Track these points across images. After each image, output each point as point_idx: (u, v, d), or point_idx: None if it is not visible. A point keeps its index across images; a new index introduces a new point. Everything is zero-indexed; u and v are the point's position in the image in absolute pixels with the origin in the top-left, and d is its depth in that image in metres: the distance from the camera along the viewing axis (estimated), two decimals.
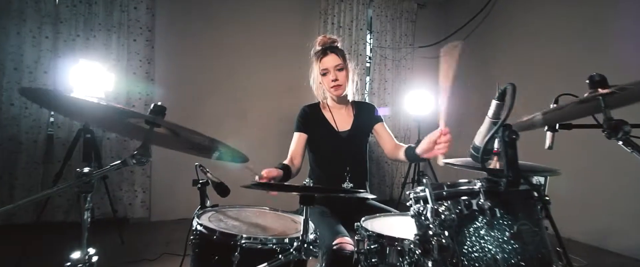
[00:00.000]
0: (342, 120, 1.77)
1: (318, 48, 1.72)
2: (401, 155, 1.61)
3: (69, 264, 0.78)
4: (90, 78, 2.36)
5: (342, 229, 1.40)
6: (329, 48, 1.68)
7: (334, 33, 4.13)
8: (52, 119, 3.10)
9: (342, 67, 1.66)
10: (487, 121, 0.72)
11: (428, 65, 4.67)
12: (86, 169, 0.82)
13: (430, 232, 0.63)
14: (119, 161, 0.80)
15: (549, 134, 1.21)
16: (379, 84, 4.38)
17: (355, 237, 1.20)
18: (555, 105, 1.26)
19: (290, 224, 1.22)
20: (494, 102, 0.71)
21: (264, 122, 3.83)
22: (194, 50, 3.59)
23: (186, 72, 3.58)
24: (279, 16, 3.93)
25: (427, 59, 4.66)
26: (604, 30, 3.01)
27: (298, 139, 1.74)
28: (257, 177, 1.33)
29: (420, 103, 3.86)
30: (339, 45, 1.73)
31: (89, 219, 0.81)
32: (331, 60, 1.66)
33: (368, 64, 4.42)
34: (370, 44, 4.44)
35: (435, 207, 0.67)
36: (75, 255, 0.80)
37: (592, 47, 3.07)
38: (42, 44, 3.02)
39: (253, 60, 3.81)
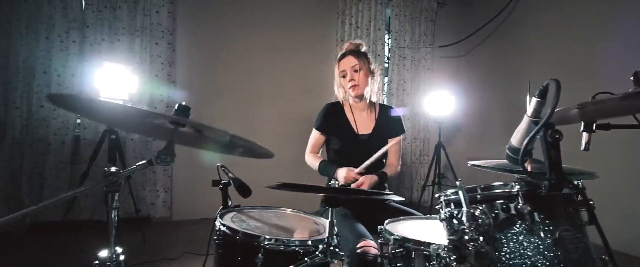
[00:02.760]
0: (363, 122, 1.76)
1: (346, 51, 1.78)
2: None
3: (97, 262, 0.79)
4: (115, 80, 2.42)
5: (365, 231, 1.37)
6: (348, 51, 1.74)
7: (352, 34, 4.10)
8: (78, 121, 3.20)
9: (358, 68, 1.70)
10: (526, 120, 0.67)
11: (448, 65, 4.58)
12: (113, 169, 0.82)
13: (466, 237, 0.60)
14: (144, 161, 0.80)
15: (585, 135, 1.14)
16: (398, 84, 4.31)
17: (379, 241, 1.17)
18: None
19: (312, 225, 1.20)
20: (534, 100, 0.67)
21: (283, 124, 3.84)
22: (214, 52, 3.64)
23: (206, 74, 3.63)
24: (297, 18, 3.93)
25: (447, 59, 4.57)
26: (637, 25, 2.86)
27: (317, 138, 1.80)
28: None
29: (440, 104, 3.78)
30: (363, 49, 1.77)
31: (116, 218, 0.81)
32: (347, 62, 1.72)
33: (386, 65, 4.36)
34: (388, 44, 4.39)
35: (471, 210, 0.63)
36: (103, 254, 0.80)
37: (625, 44, 2.92)
38: (70, 48, 3.12)
39: (272, 61, 3.83)
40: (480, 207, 0.66)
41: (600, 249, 0.72)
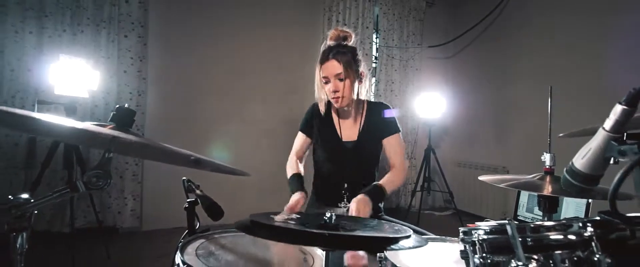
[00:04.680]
0: (348, 127, 1.53)
1: (325, 46, 1.48)
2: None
3: None
4: (73, 76, 2.13)
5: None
6: (333, 51, 1.43)
7: None
8: None
9: (343, 77, 1.40)
10: (601, 136, 0.49)
11: (436, 66, 4.46)
12: (23, 196, 0.59)
13: None
14: (63, 188, 0.57)
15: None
16: (386, 85, 4.15)
17: None
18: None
19: (298, 255, 0.99)
20: (618, 108, 0.48)
21: (265, 125, 3.60)
22: (190, 47, 3.36)
23: (181, 71, 3.34)
24: (281, 13, 3.70)
25: (435, 60, 4.45)
26: (631, 23, 2.78)
27: (302, 141, 1.59)
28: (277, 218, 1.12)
29: (431, 106, 3.64)
30: (351, 41, 1.49)
31: (22, 264, 0.58)
32: (330, 67, 1.41)
33: (374, 64, 4.19)
34: (376, 43, 4.22)
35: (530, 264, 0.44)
36: None
37: (615, 43, 2.85)
38: (26, 39, 2.79)
39: (253, 58, 3.58)
40: (536, 258, 0.47)
41: None
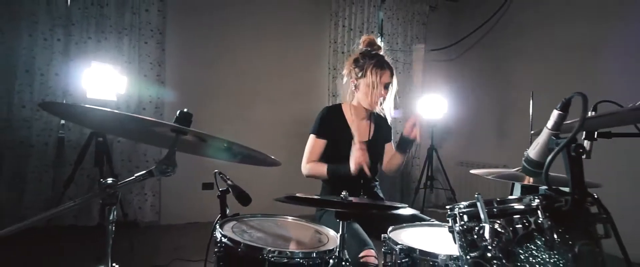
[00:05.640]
0: (362, 129, 1.71)
1: (368, 50, 1.67)
2: (395, 157, 1.69)
3: None
4: (103, 81, 2.34)
5: (366, 237, 1.35)
6: (385, 61, 1.64)
7: (345, 36, 4.08)
8: (62, 122, 3.08)
9: (390, 86, 1.64)
10: (545, 133, 0.66)
11: (440, 68, 4.61)
12: (110, 180, 0.77)
13: (489, 255, 0.58)
14: (144, 171, 0.75)
15: (586, 143, 1.15)
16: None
17: (382, 250, 1.15)
18: (594, 113, 1.19)
19: (314, 235, 1.17)
20: (555, 112, 0.66)
21: (273, 127, 3.79)
22: (204, 53, 3.57)
23: (196, 75, 3.55)
24: (290, 19, 3.89)
25: (438, 62, 4.60)
26: (627, 30, 2.92)
27: (318, 145, 1.66)
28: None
29: (433, 107, 3.80)
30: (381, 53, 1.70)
31: (113, 233, 0.76)
32: (385, 76, 1.61)
33: None
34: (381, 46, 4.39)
35: (493, 226, 0.62)
36: None
37: (615, 49, 2.98)
38: (54, 46, 3.00)
39: (263, 63, 3.77)
40: (499, 222, 0.64)
41: (615, 260, 0.72)
